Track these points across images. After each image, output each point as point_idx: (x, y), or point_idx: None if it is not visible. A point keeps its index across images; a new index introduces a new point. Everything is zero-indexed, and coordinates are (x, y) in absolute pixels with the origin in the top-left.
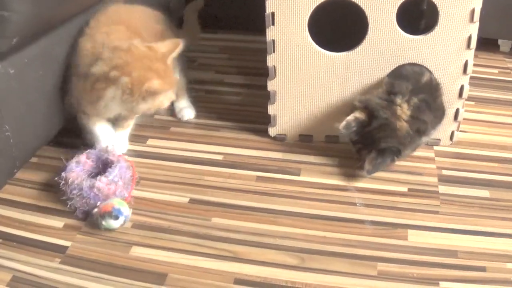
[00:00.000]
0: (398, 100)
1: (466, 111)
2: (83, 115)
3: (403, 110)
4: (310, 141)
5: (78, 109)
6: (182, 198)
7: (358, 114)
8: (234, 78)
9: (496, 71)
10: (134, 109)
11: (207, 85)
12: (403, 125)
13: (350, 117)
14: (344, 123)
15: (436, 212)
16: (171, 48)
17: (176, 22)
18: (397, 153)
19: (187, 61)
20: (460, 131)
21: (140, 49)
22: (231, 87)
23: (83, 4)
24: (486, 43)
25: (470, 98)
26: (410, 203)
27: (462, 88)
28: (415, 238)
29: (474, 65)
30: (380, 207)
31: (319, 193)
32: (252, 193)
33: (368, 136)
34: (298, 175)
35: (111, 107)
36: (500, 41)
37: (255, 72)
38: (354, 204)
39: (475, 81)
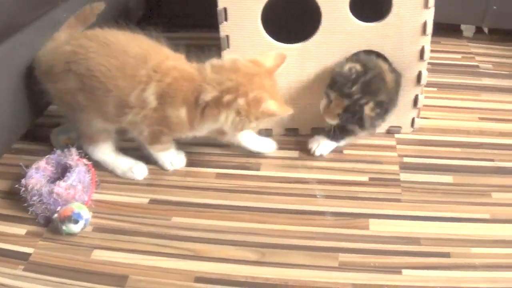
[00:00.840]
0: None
1: (428, 97)
2: (156, 145)
3: (384, 64)
4: (271, 135)
5: (148, 141)
6: (142, 199)
7: (354, 64)
8: None
9: (459, 56)
10: (243, 128)
11: None
12: (391, 78)
13: (351, 64)
14: (347, 66)
15: (398, 200)
16: (277, 62)
17: (135, 21)
18: (388, 108)
19: None
20: (422, 117)
21: (248, 66)
22: None
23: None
24: (449, 29)
25: (432, 84)
26: (371, 192)
27: (420, 74)
28: (377, 227)
29: (437, 51)
30: (341, 197)
31: (279, 187)
32: (211, 190)
33: (365, 88)
34: (258, 169)
35: (209, 128)
36: (463, 26)
37: None
38: (314, 196)
39: (438, 67)
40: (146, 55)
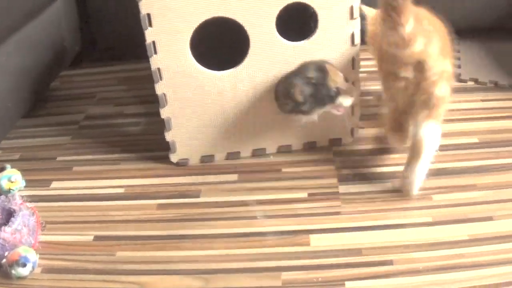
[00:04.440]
0: None
1: (366, 106)
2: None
3: None
4: (212, 161)
5: None
6: (87, 236)
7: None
8: (134, 108)
9: None
10: None
11: (106, 119)
12: None
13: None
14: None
15: (338, 213)
16: None
17: (71, 59)
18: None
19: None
20: (361, 127)
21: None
22: (131, 117)
23: None
24: None
25: (370, 93)
26: (311, 208)
27: (353, 85)
28: (318, 242)
29: (372, 59)
30: (281, 216)
31: (220, 211)
32: (154, 221)
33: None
34: (198, 196)
35: None
36: None
37: (153, 99)
38: (255, 217)
39: (374, 75)
40: None
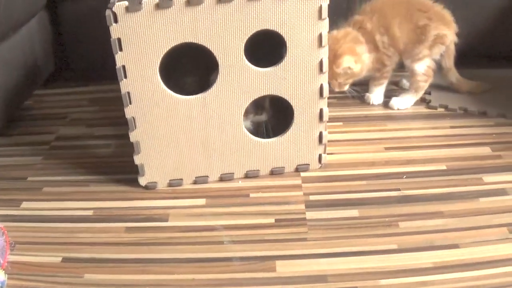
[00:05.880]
0: None
1: (334, 132)
2: None
3: None
4: (180, 185)
5: None
6: (55, 258)
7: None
8: (105, 130)
9: (359, 88)
10: None
11: (78, 140)
12: None
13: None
14: None
15: (304, 239)
16: None
17: (44, 79)
18: None
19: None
20: (329, 153)
21: None
22: (102, 139)
23: None
24: None
25: (338, 119)
26: (277, 233)
27: (321, 111)
28: (283, 268)
29: None
30: (247, 242)
31: (187, 236)
32: (122, 244)
33: None
34: (167, 220)
35: None
36: None
37: (124, 121)
38: (222, 243)
39: (343, 101)
40: None
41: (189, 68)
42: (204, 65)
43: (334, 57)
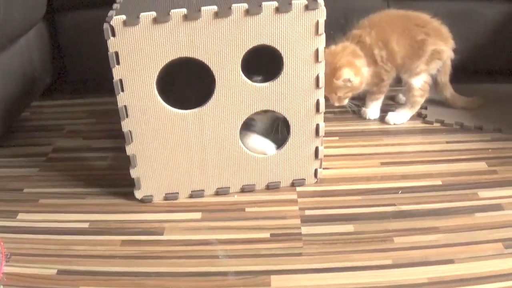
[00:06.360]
0: None
1: (330, 147)
2: None
3: None
4: (176, 199)
5: None
6: (50, 270)
7: None
8: (102, 142)
9: (359, 102)
10: None
11: (74, 152)
12: None
13: None
14: None
15: (299, 254)
16: None
17: (41, 90)
18: None
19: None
20: (325, 168)
21: None
22: (99, 152)
23: None
24: None
25: (333, 134)
26: (272, 248)
27: (317, 126)
28: (278, 283)
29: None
30: (242, 256)
31: (183, 250)
32: (117, 258)
33: None
34: (162, 234)
35: None
36: None
37: (121, 134)
38: (217, 257)
39: (339, 116)
40: None
41: (193, 79)
42: (209, 75)
43: (333, 70)
